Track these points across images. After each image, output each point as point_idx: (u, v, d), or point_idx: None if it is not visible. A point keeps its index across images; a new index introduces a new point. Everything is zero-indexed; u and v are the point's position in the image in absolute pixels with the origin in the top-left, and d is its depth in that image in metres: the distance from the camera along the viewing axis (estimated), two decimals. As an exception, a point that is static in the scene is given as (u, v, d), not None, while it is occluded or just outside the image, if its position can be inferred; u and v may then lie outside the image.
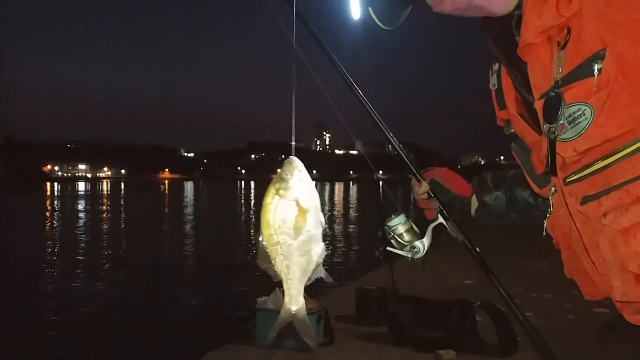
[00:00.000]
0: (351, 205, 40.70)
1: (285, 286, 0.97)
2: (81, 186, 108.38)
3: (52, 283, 10.23)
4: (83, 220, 26.48)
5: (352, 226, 23.19)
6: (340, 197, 57.93)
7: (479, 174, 1.49)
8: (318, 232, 0.96)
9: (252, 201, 49.38)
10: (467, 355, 3.97)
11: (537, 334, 1.30)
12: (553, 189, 1.14)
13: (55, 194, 67.91)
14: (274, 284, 4.55)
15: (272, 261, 0.97)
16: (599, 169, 0.99)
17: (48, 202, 46.37)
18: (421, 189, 1.46)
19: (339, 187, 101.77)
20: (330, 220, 26.46)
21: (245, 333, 4.39)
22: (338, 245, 16.32)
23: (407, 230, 1.44)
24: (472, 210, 1.48)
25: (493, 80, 1.22)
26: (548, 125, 1.01)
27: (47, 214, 31.28)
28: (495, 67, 1.22)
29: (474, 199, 1.47)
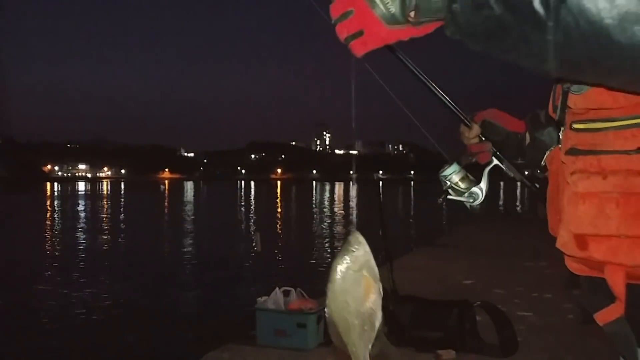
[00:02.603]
0: (351, 205, 40.69)
1: (352, 355, 1.00)
2: (81, 186, 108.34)
3: (51, 283, 10.23)
4: (83, 220, 26.47)
5: (352, 226, 23.17)
6: (340, 197, 57.92)
7: (532, 112, 1.46)
8: (380, 301, 0.99)
9: (252, 201, 49.37)
10: (467, 355, 3.97)
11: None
12: (563, 127, 1.17)
13: (55, 193, 67.90)
14: (273, 284, 4.57)
15: (341, 333, 0.98)
16: (594, 128, 1.03)
17: (48, 202, 46.37)
18: (472, 132, 1.42)
19: (339, 187, 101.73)
20: (330, 220, 26.46)
21: (245, 333, 4.40)
22: (338, 245, 16.31)
23: (462, 179, 1.42)
24: (525, 147, 1.45)
25: None
26: None
27: (47, 213, 31.28)
28: None
29: (527, 135, 1.44)
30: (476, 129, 1.43)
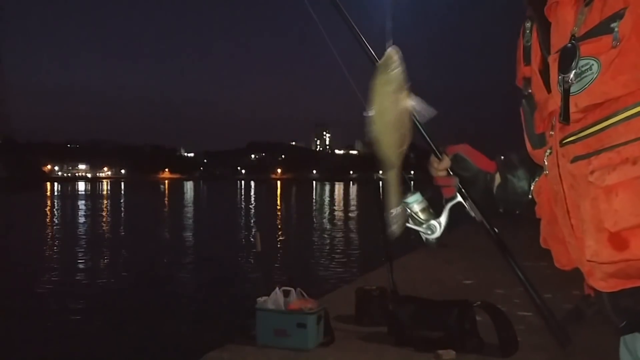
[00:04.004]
0: (351, 205, 40.71)
1: (386, 149, 1.27)
2: (81, 186, 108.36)
3: (51, 283, 10.23)
4: (83, 220, 26.48)
5: (352, 226, 23.19)
6: (340, 197, 57.91)
7: (504, 152, 1.45)
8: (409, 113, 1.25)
9: (252, 201, 49.35)
10: (467, 355, 3.97)
11: (555, 319, 1.28)
12: (548, 151, 1.15)
13: (55, 193, 67.90)
14: (274, 284, 4.57)
15: (379, 132, 1.24)
16: (595, 131, 1.00)
17: (48, 201, 46.36)
18: (442, 164, 1.41)
19: (339, 187, 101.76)
20: (330, 220, 26.45)
21: (245, 333, 4.39)
22: (338, 245, 16.32)
23: (422, 209, 1.41)
24: (495, 188, 1.43)
25: (526, 37, 1.24)
26: (562, 75, 1.03)
27: (47, 213, 31.29)
28: (528, 24, 1.24)
29: (497, 175, 1.42)
30: (446, 161, 1.41)
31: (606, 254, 0.98)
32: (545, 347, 4.26)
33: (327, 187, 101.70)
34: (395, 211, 1.32)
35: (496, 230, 1.41)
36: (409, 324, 4.26)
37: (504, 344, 4.04)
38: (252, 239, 16.56)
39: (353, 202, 47.28)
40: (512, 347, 4.05)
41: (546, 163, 1.17)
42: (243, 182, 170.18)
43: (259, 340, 4.25)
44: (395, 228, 1.32)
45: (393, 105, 1.21)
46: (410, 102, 1.22)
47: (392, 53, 1.20)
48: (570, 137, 1.05)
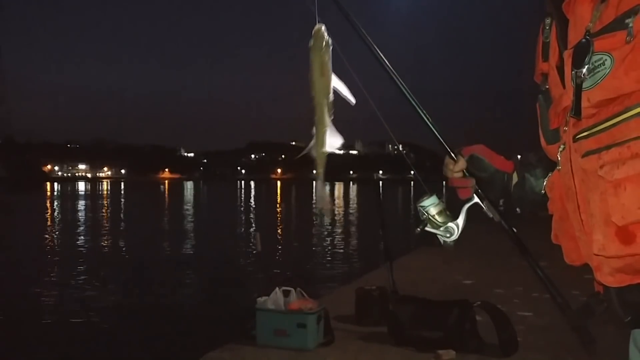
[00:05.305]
0: (351, 206, 40.68)
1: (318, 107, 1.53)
2: (81, 186, 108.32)
3: (51, 283, 10.23)
4: (83, 220, 26.47)
5: (352, 226, 23.19)
6: (340, 198, 57.86)
7: (521, 153, 1.46)
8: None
9: (252, 201, 49.34)
10: (467, 355, 3.97)
11: (577, 317, 1.28)
12: (562, 146, 1.15)
13: (55, 193, 67.88)
14: (274, 284, 4.57)
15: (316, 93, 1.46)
16: (607, 126, 1.00)
17: (48, 201, 46.35)
18: (457, 166, 1.41)
19: (339, 187, 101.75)
20: (330, 220, 26.42)
21: (245, 333, 4.39)
22: (338, 245, 16.31)
23: (439, 212, 1.41)
24: (512, 187, 1.43)
25: (545, 33, 1.25)
26: (575, 70, 1.04)
27: (47, 213, 31.28)
28: (548, 21, 1.25)
29: (515, 175, 1.42)
30: (462, 162, 1.41)
31: (613, 248, 0.98)
32: (546, 347, 4.26)
33: (327, 187, 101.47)
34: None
35: (514, 229, 1.40)
36: (409, 324, 4.26)
37: (504, 344, 4.04)
38: (252, 239, 16.55)
39: (353, 202, 47.24)
40: (512, 347, 4.05)
41: (559, 158, 1.17)
42: (243, 182, 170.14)
43: (259, 340, 4.25)
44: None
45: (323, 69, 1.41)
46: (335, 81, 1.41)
47: (320, 29, 1.39)
48: (583, 132, 1.06)
